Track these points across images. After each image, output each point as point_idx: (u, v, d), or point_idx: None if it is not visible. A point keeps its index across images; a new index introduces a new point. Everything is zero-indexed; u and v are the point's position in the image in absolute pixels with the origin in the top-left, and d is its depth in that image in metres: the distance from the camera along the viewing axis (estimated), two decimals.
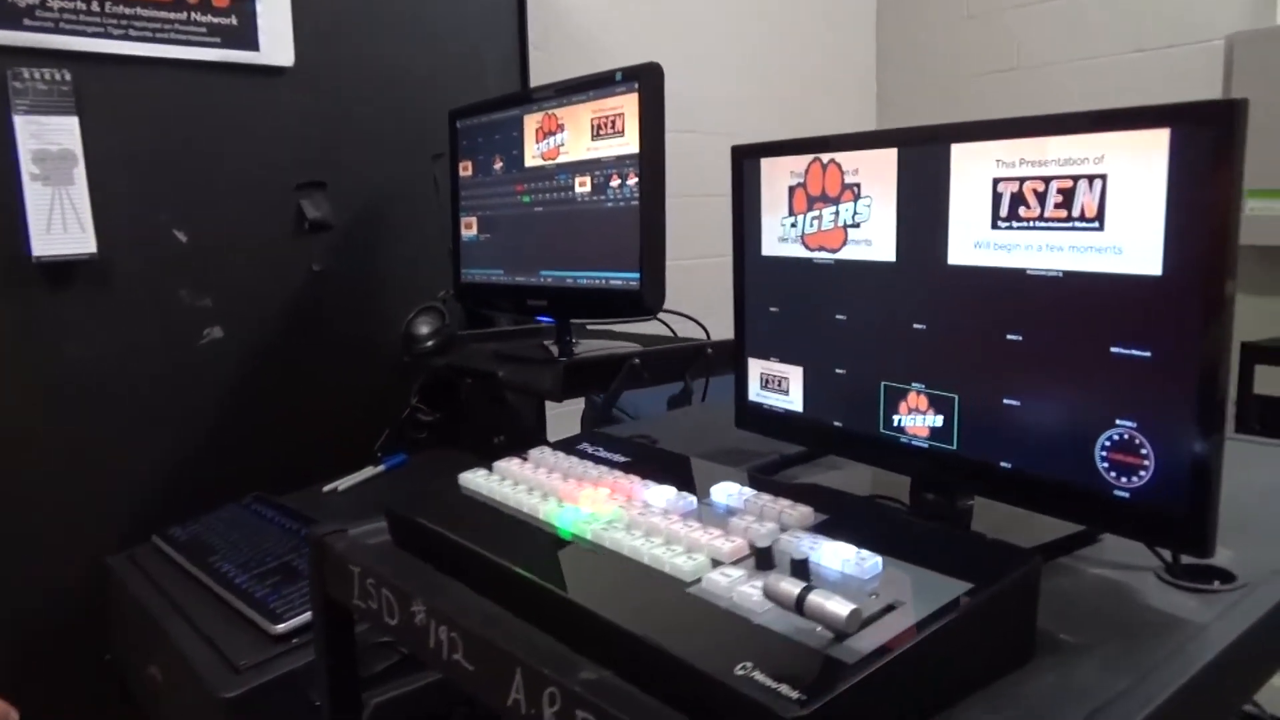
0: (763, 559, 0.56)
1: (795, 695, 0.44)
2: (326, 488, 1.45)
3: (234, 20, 1.41)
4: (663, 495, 0.68)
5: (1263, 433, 2.07)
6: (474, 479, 0.77)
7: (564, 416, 1.98)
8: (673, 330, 1.59)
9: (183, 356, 1.43)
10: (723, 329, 1.07)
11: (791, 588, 0.48)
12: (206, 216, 1.43)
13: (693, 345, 1.39)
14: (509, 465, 0.79)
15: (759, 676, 0.46)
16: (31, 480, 1.32)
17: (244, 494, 1.41)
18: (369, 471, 1.49)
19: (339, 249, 1.57)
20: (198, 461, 1.46)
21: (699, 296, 1.65)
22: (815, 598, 0.47)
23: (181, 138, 1.40)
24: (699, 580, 0.55)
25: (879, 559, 0.55)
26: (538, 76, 2.26)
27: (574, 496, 0.70)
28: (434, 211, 1.63)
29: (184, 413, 1.45)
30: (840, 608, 0.46)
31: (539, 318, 1.47)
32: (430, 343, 1.51)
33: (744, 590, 0.52)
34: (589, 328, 1.65)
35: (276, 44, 1.45)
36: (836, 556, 0.56)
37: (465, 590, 0.66)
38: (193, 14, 1.37)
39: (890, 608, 0.51)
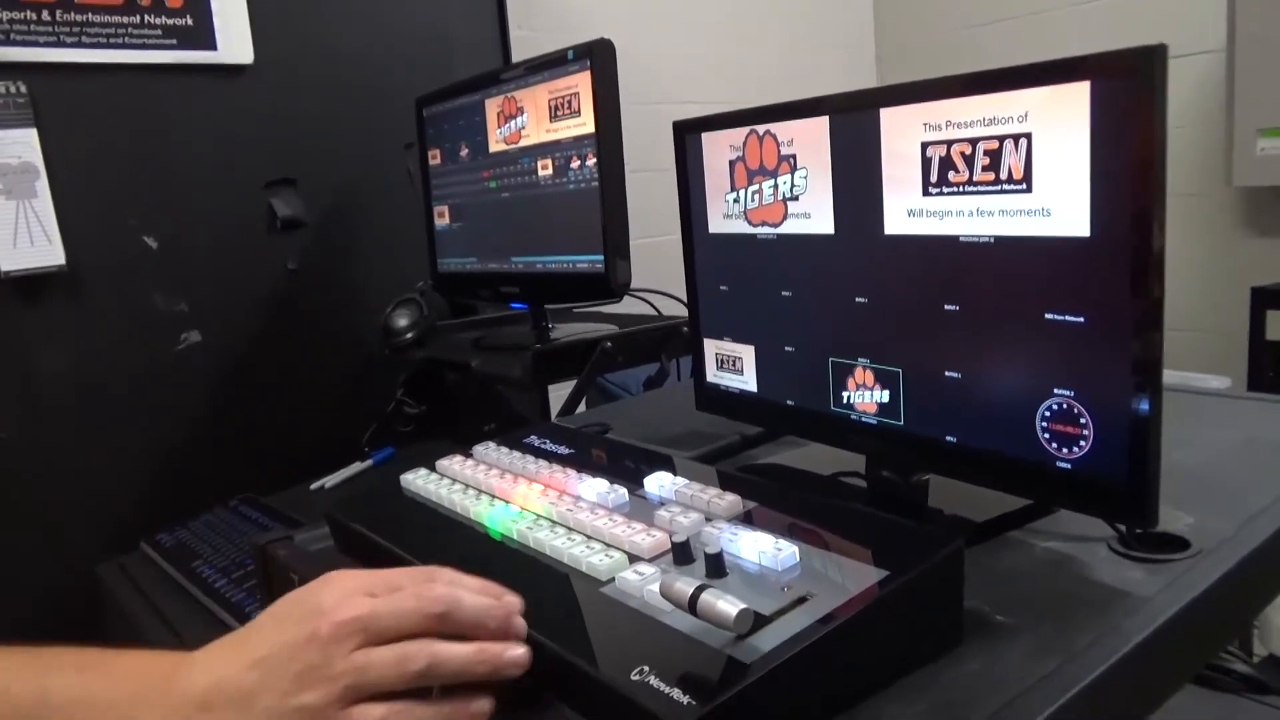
0: (680, 553, 0.55)
1: (686, 700, 0.42)
2: (314, 485, 1.45)
3: (189, 20, 1.39)
4: (594, 489, 0.67)
5: (1275, 378, 2.02)
6: (414, 479, 0.76)
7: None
8: (657, 309, 1.57)
9: (162, 362, 1.43)
10: None
11: (685, 588, 0.46)
12: (176, 221, 1.43)
13: (667, 325, 1.37)
14: (450, 464, 0.78)
15: (654, 681, 0.44)
16: (18, 492, 1.33)
17: (233, 496, 1.42)
18: (357, 467, 1.49)
19: (313, 245, 1.56)
20: (185, 466, 1.47)
21: (681, 272, 1.63)
22: (707, 598, 0.45)
23: (145, 143, 1.39)
24: (612, 579, 0.54)
25: (795, 549, 0.53)
26: (522, 57, 2.24)
27: (509, 494, 0.69)
28: (408, 202, 1.62)
29: (167, 418, 1.45)
30: (730, 608, 0.44)
31: (513, 304, 1.46)
32: (409, 335, 1.50)
33: (654, 589, 0.51)
34: (575, 310, 1.63)
35: (234, 42, 1.44)
36: (754, 548, 0.54)
37: None
38: (146, 16, 1.35)
39: (801, 600, 0.49)
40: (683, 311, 1.49)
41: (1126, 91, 0.54)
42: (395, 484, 0.77)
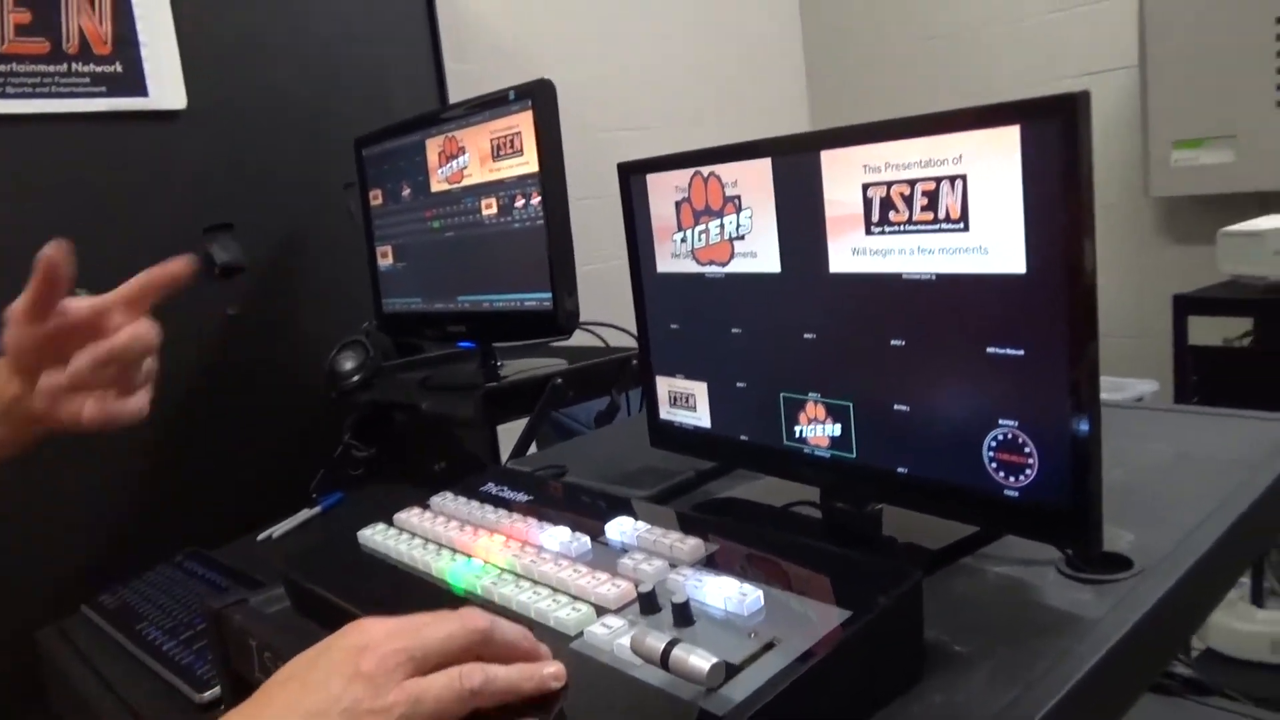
0: (647, 604, 0.55)
1: None
2: (262, 535, 1.42)
3: (118, 67, 1.37)
4: (557, 538, 0.67)
5: (1200, 383, 2.10)
6: (372, 535, 0.75)
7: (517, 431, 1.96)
8: (604, 340, 1.57)
9: None
10: None
11: (656, 643, 0.47)
12: (110, 272, 1.38)
13: (617, 358, 1.38)
14: (408, 517, 0.77)
15: None
16: None
17: (177, 551, 1.38)
18: (305, 514, 1.46)
19: (254, 291, 1.53)
20: (125, 522, 1.42)
21: (628, 297, 1.64)
22: (679, 653, 0.46)
23: (76, 194, 1.36)
24: (581, 634, 0.54)
25: (760, 593, 0.54)
26: (459, 93, 2.23)
27: (470, 547, 0.69)
28: (350, 243, 1.60)
29: (106, 474, 1.41)
30: (702, 662, 0.45)
31: (460, 344, 1.45)
32: (355, 378, 1.49)
33: (623, 643, 0.51)
34: (522, 345, 1.63)
35: (166, 87, 1.41)
36: (719, 594, 0.55)
37: None
38: (73, 64, 1.33)
39: (769, 645, 0.50)
40: (630, 342, 1.51)
41: (1053, 135, 0.57)
42: (352, 541, 0.76)
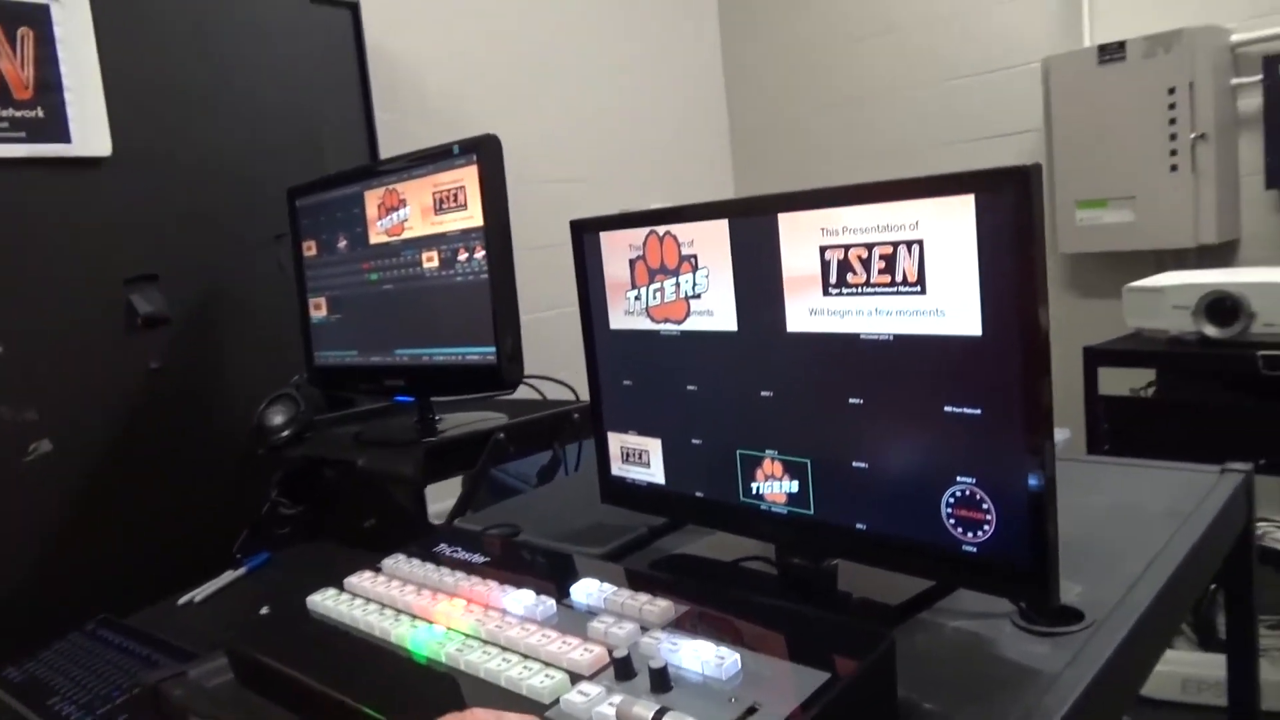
0: (621, 669, 0.54)
1: None
2: (182, 600, 1.35)
3: (40, 113, 1.32)
4: (520, 601, 0.65)
5: (1110, 431, 2.19)
6: (322, 601, 0.73)
7: (446, 486, 1.92)
8: (541, 393, 1.56)
9: (8, 476, 1.32)
10: None
11: (644, 713, 0.46)
12: (26, 323, 1.33)
13: (559, 412, 1.37)
14: (360, 581, 0.75)
15: None
16: None
17: (89, 619, 1.30)
18: (229, 576, 1.40)
19: (178, 343, 1.48)
20: (35, 589, 1.34)
21: (569, 348, 1.63)
22: None
23: None
24: (557, 702, 0.53)
25: (737, 656, 0.54)
26: (389, 141, 2.22)
27: (429, 612, 0.67)
28: (280, 295, 1.56)
29: (14, 537, 1.33)
30: None
31: (398, 398, 1.42)
32: (285, 433, 1.44)
33: (602, 711, 0.50)
34: (457, 400, 1.60)
35: (90, 134, 1.37)
36: (696, 658, 0.54)
37: None
38: None
39: (752, 710, 0.50)
40: (569, 395, 1.51)
41: (1006, 204, 0.59)
42: (301, 607, 0.73)
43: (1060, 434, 2.53)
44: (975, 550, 0.64)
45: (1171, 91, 2.34)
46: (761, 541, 0.82)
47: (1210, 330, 1.84)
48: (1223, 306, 1.83)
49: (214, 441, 1.52)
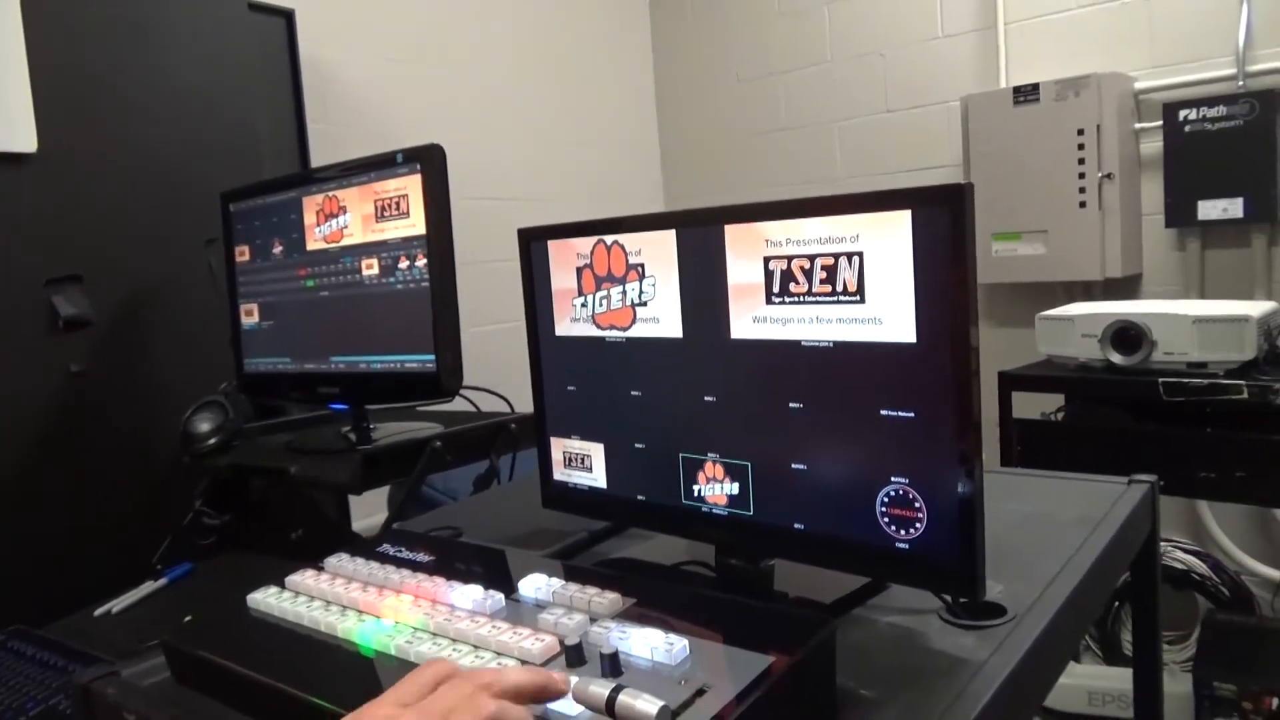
0: (573, 656, 0.56)
1: None
2: (99, 611, 1.31)
3: None
4: (469, 595, 0.66)
5: (1022, 452, 2.28)
6: (264, 599, 0.72)
7: (367, 500, 1.90)
8: (475, 405, 1.56)
9: None
10: (525, 400, 1.06)
11: (601, 690, 0.48)
12: None
13: (495, 422, 1.38)
14: (303, 579, 0.74)
15: None
16: None
17: (2, 629, 1.25)
18: (149, 587, 1.36)
19: (101, 347, 1.44)
20: None
21: (499, 364, 1.63)
22: (625, 699, 0.47)
23: None
24: None
25: (686, 642, 0.56)
26: (320, 150, 2.20)
27: (376, 608, 0.67)
28: (210, 300, 1.53)
29: None
30: (649, 706, 0.46)
31: (332, 405, 1.41)
32: (212, 440, 1.41)
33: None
34: (388, 409, 1.59)
35: (15, 129, 1.33)
36: (646, 645, 0.56)
37: None
38: None
39: (701, 691, 0.52)
40: (503, 406, 1.51)
41: (942, 219, 0.63)
42: (240, 605, 0.73)
43: None
44: (907, 547, 0.68)
45: (1081, 133, 2.47)
46: (702, 543, 0.84)
47: (1116, 358, 1.94)
48: (1127, 335, 1.93)
49: (137, 449, 1.48)
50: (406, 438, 1.28)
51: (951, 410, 0.64)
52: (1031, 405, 2.34)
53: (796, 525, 0.75)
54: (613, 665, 0.54)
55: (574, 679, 0.51)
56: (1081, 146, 2.46)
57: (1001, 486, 1.08)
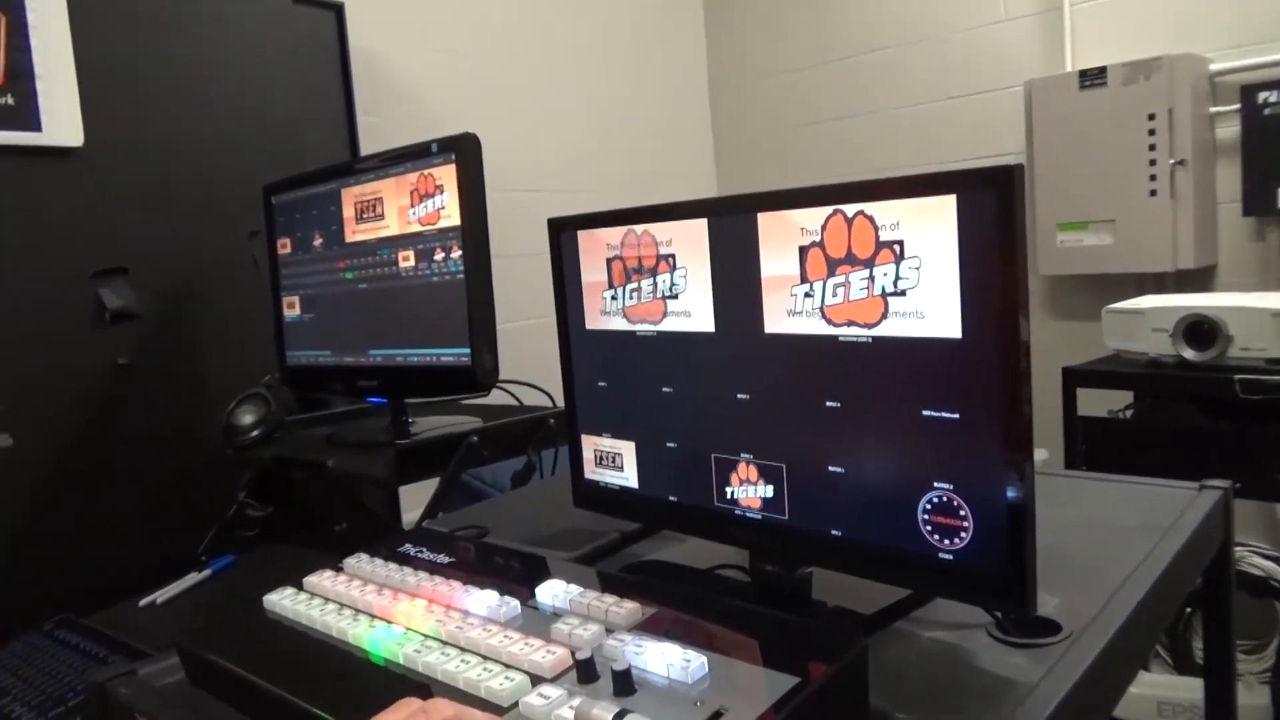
0: (585, 671, 0.52)
1: None
2: (144, 601, 1.32)
3: (10, 100, 1.29)
4: (484, 602, 0.63)
5: (1088, 452, 2.19)
6: (279, 600, 0.70)
7: (420, 490, 1.89)
8: (518, 399, 1.54)
9: None
10: None
11: (604, 715, 0.44)
12: None
13: (534, 417, 1.35)
14: (320, 580, 0.72)
15: None
16: None
17: (48, 619, 1.27)
18: (193, 578, 1.36)
19: (147, 339, 1.45)
20: None
21: (546, 358, 1.61)
22: None
23: None
24: (515, 705, 0.51)
25: (704, 659, 0.52)
26: (371, 143, 2.20)
27: (389, 613, 0.65)
28: (254, 292, 1.54)
29: None
30: None
31: (370, 399, 1.40)
32: (255, 432, 1.41)
33: (562, 714, 0.48)
34: (429, 402, 1.58)
35: (62, 123, 1.34)
36: (662, 660, 0.52)
37: None
38: None
39: (717, 715, 0.48)
40: (545, 401, 1.49)
41: (989, 204, 0.58)
42: (257, 606, 0.71)
43: (1039, 454, 2.54)
44: (952, 558, 0.63)
45: (1151, 117, 2.35)
46: (735, 548, 0.80)
47: (1188, 353, 1.85)
48: (1200, 330, 1.83)
49: (181, 440, 1.49)
50: (443, 432, 1.27)
51: (999, 411, 0.59)
52: (1098, 403, 2.25)
53: (834, 532, 0.70)
54: (623, 684, 0.50)
55: (577, 701, 0.47)
56: (1152, 132, 2.34)
57: (1061, 491, 1.02)
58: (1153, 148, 2.36)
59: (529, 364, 1.52)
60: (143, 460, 1.46)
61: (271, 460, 1.42)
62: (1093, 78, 2.44)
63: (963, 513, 0.62)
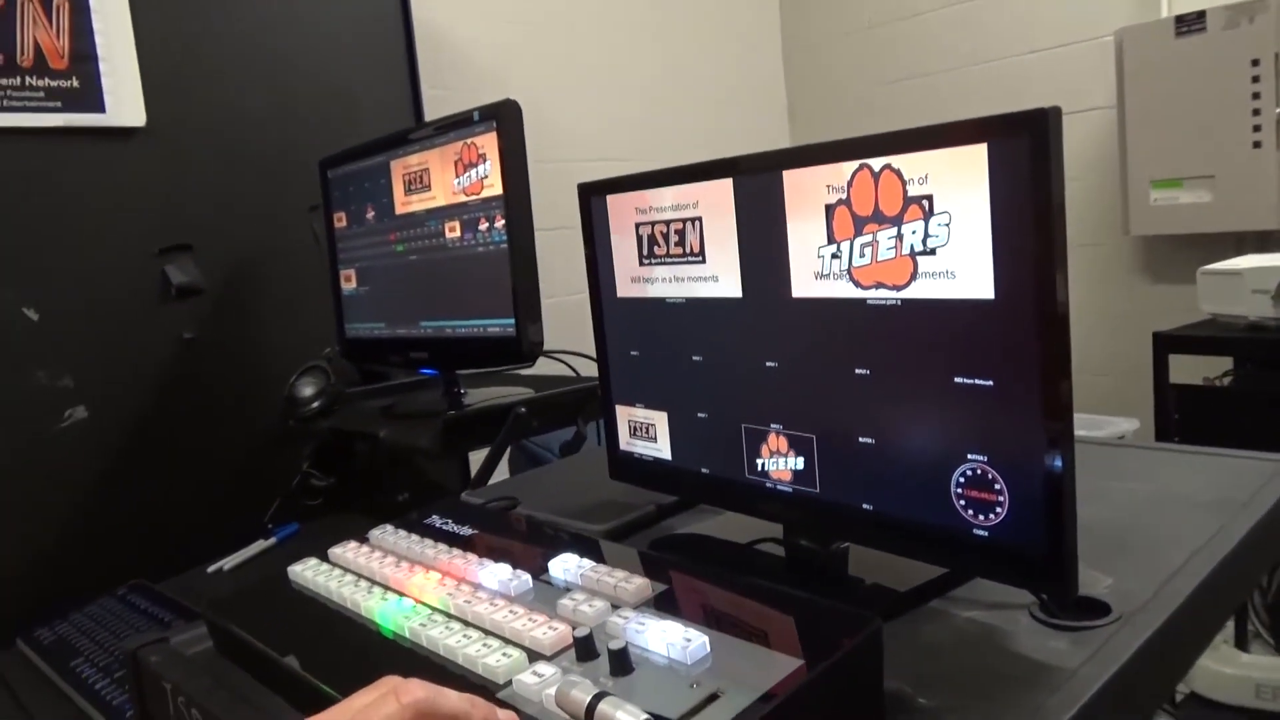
0: (583, 649, 0.51)
1: None
2: (212, 568, 1.36)
3: (75, 82, 1.33)
4: (495, 575, 0.62)
5: (1180, 421, 2.07)
6: (303, 572, 0.70)
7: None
8: (574, 370, 1.53)
9: (44, 441, 1.34)
10: None
11: (582, 696, 0.42)
12: (60, 291, 1.35)
13: (583, 388, 1.34)
14: (344, 552, 0.72)
15: None
16: None
17: (121, 584, 1.32)
18: (259, 546, 1.40)
19: (211, 314, 1.49)
20: (69, 552, 1.36)
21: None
22: (605, 709, 0.41)
23: (26, 210, 1.31)
24: (510, 683, 0.50)
25: (706, 639, 0.50)
26: (436, 115, 2.21)
27: (403, 585, 0.64)
28: (313, 266, 1.56)
29: (51, 501, 1.35)
30: (629, 719, 0.41)
31: (422, 370, 1.41)
32: (315, 404, 1.44)
33: (549, 694, 0.46)
34: (481, 373, 1.58)
35: (125, 104, 1.38)
36: (662, 639, 0.50)
37: (282, 704, 0.60)
38: (28, 78, 1.29)
39: (713, 697, 0.46)
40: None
41: (1022, 153, 0.54)
42: (283, 577, 0.72)
43: (1127, 424, 2.41)
44: (986, 534, 0.59)
45: (1255, 64, 2.19)
46: (768, 522, 0.77)
47: None
48: None
49: (246, 412, 1.53)
50: (492, 403, 1.26)
51: (1037, 378, 0.55)
52: (1193, 370, 2.13)
53: (865, 506, 0.67)
54: (621, 663, 0.48)
55: (561, 680, 0.45)
56: (1256, 80, 2.18)
57: (1132, 463, 0.96)
58: (1256, 96, 2.20)
59: (587, 335, 1.51)
60: (209, 432, 1.50)
61: (331, 431, 1.45)
62: (1190, 23, 2.28)
63: (998, 486, 0.58)
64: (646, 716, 0.41)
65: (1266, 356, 2.01)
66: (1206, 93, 2.27)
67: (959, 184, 0.57)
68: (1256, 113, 2.20)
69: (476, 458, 1.78)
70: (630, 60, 2.85)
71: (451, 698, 0.43)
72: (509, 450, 1.77)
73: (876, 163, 0.62)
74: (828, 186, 0.65)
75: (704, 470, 0.81)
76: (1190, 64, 2.28)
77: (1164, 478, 0.89)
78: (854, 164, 0.63)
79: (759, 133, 3.25)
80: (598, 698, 0.42)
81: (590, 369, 1.50)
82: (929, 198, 0.59)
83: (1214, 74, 2.25)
